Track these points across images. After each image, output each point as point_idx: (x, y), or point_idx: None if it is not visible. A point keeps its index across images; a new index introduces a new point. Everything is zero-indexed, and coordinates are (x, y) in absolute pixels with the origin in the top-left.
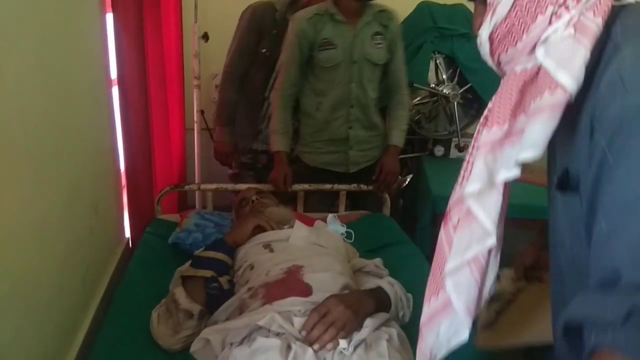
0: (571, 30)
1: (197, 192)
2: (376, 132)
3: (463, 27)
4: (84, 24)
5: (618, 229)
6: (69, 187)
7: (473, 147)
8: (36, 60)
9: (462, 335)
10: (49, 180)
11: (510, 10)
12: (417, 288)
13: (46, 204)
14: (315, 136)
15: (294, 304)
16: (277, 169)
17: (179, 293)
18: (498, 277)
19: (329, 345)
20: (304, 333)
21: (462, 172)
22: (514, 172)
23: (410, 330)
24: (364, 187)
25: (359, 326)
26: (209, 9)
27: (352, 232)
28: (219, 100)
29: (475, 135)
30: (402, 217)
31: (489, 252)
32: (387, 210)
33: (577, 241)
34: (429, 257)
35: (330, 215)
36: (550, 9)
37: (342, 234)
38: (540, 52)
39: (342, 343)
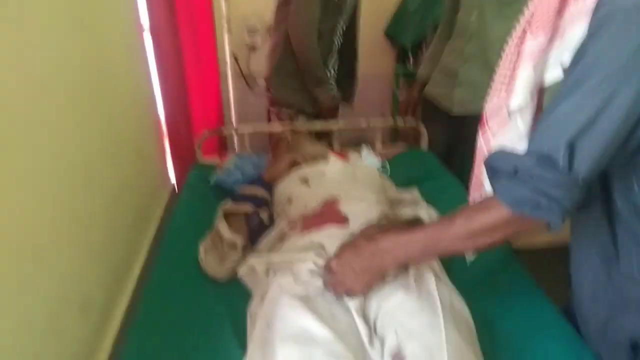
0: None
1: (234, 135)
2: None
3: None
4: None
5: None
6: (112, 134)
7: (514, 54)
8: (67, 10)
9: None
10: (92, 128)
11: None
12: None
13: (92, 149)
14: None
15: (331, 234)
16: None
17: (223, 227)
18: None
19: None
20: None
21: (498, 83)
22: (558, 72)
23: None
24: (400, 122)
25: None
26: None
27: (387, 165)
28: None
29: (512, 43)
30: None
31: None
32: (425, 145)
33: None
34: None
35: (365, 149)
36: None
37: (377, 167)
38: None
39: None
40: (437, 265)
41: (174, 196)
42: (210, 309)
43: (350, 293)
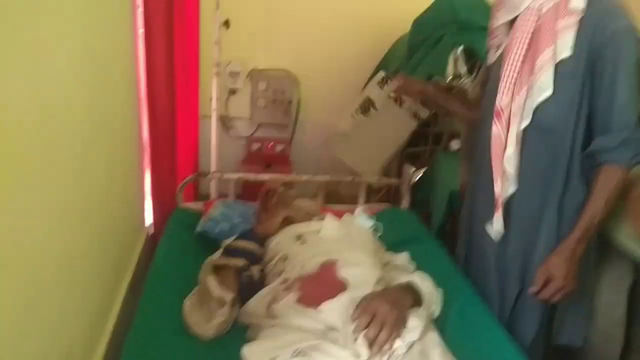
0: None
1: (213, 181)
2: None
3: (483, 20)
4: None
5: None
6: (102, 175)
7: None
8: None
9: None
10: (89, 168)
11: None
12: (443, 284)
13: (86, 192)
14: None
15: (332, 308)
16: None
17: (211, 281)
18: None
19: (386, 346)
20: (355, 333)
21: (507, 82)
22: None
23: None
24: (384, 179)
25: (405, 324)
26: None
27: (381, 226)
28: None
29: (511, 55)
30: (414, 212)
31: None
32: (405, 204)
33: None
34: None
35: (359, 208)
36: None
37: (370, 227)
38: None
39: (398, 343)
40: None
41: (149, 240)
42: None
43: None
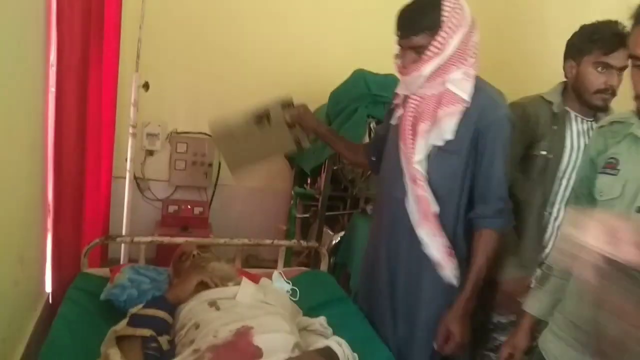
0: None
1: (123, 246)
2: None
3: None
4: (26, 70)
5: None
6: None
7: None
8: None
9: None
10: None
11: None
12: (360, 347)
13: None
14: None
15: None
16: None
17: (114, 354)
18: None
19: None
20: None
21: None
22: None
23: None
24: (303, 243)
25: None
26: (149, 58)
27: (297, 290)
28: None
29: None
30: (333, 274)
31: None
32: (324, 267)
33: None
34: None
35: (275, 272)
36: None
37: (287, 291)
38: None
39: None
40: None
41: (48, 308)
42: None
43: None
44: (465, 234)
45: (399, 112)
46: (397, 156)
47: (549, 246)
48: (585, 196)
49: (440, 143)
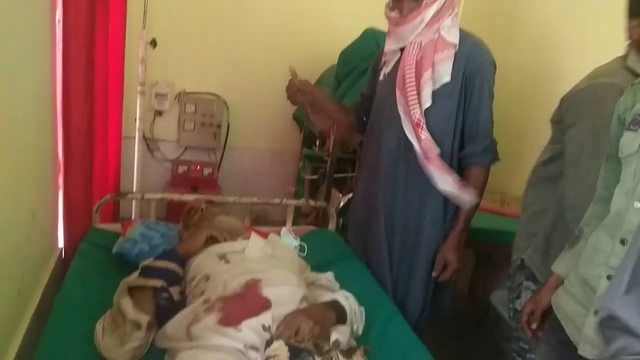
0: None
1: (134, 202)
2: None
3: None
4: (33, 28)
5: None
6: (9, 191)
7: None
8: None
9: None
10: None
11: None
12: (366, 301)
13: None
14: None
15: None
16: None
17: (126, 304)
18: None
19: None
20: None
21: (411, 97)
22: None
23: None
24: (312, 202)
25: (327, 340)
26: (157, 14)
27: (305, 246)
28: None
29: (405, 78)
30: (341, 235)
31: None
32: (332, 226)
33: None
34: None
35: (284, 229)
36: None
37: (295, 247)
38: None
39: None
40: None
41: (61, 261)
42: None
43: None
44: (458, 173)
45: (388, 67)
46: (390, 108)
47: None
48: (613, 157)
49: (436, 87)
